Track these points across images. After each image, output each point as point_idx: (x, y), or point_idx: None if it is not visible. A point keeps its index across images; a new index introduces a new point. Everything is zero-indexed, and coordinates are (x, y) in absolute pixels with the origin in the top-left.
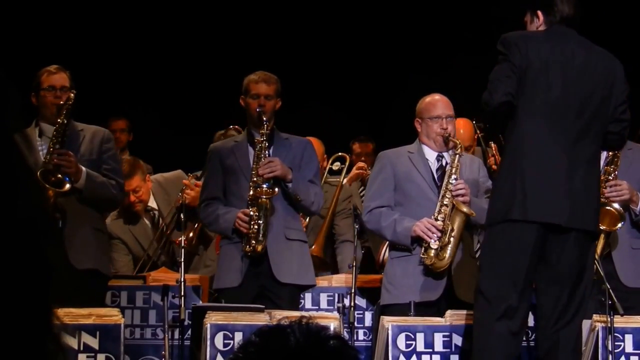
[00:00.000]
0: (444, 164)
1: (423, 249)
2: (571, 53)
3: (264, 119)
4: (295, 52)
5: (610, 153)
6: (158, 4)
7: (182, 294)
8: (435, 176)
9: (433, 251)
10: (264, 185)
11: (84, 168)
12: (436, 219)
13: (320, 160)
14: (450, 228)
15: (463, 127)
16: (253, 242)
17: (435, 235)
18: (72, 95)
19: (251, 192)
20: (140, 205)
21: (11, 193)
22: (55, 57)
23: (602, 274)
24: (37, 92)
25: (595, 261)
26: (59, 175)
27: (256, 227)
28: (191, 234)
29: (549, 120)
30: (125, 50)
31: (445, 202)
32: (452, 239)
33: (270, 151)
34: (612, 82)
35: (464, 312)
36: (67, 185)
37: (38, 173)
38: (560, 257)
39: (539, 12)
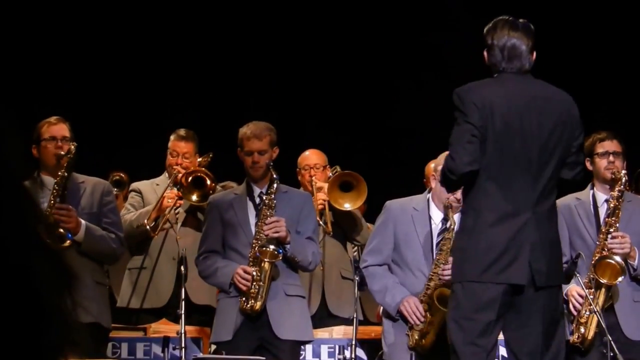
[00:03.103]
0: (448, 225)
1: (408, 327)
2: (525, 100)
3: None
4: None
5: (612, 205)
6: (154, 58)
7: (183, 345)
8: (434, 242)
9: (417, 333)
10: (270, 247)
11: (83, 221)
12: (421, 301)
13: (324, 171)
14: (429, 320)
15: None
16: (252, 300)
17: (418, 320)
18: (73, 147)
19: (255, 250)
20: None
21: (22, 248)
22: (54, 109)
23: (603, 326)
24: (38, 144)
25: (597, 313)
26: (61, 230)
27: (257, 287)
28: None
29: (508, 176)
30: (124, 103)
31: (431, 284)
32: (431, 327)
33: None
34: (569, 126)
35: None
36: (69, 241)
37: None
38: (531, 308)
39: (485, 54)
